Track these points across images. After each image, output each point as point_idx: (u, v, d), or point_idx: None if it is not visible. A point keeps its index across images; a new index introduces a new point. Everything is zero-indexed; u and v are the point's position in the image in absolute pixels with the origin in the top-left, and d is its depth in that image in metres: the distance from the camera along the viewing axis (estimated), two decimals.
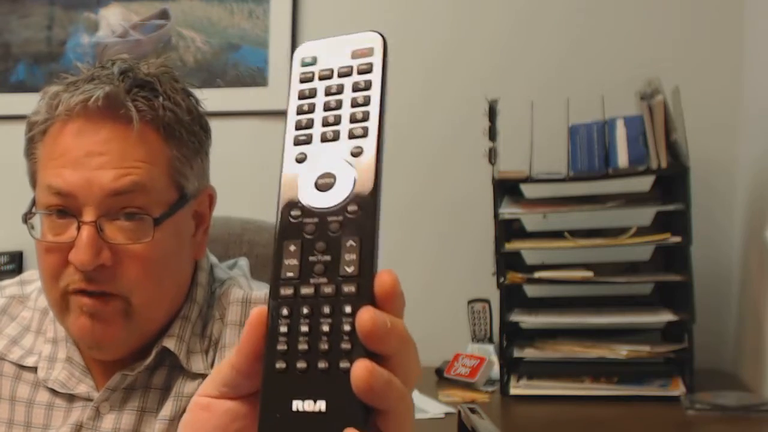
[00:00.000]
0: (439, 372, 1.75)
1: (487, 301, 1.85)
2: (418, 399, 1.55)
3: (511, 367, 1.64)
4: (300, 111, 0.46)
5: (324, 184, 0.44)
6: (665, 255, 1.69)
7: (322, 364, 0.41)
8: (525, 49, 2.00)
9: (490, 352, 1.78)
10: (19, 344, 0.95)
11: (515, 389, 1.59)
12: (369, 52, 0.46)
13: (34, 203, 0.89)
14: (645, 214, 1.68)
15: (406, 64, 2.05)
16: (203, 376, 0.90)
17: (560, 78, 1.94)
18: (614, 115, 1.63)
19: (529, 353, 1.64)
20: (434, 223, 2.03)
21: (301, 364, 0.42)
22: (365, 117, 0.45)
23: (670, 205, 1.58)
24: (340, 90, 0.46)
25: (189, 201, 0.91)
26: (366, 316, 0.40)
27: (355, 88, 0.46)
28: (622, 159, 1.59)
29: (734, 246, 1.87)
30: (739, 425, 1.42)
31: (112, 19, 2.19)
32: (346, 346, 0.41)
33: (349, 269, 0.42)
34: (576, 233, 1.64)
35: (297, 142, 0.46)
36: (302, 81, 0.47)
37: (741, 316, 1.82)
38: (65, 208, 0.84)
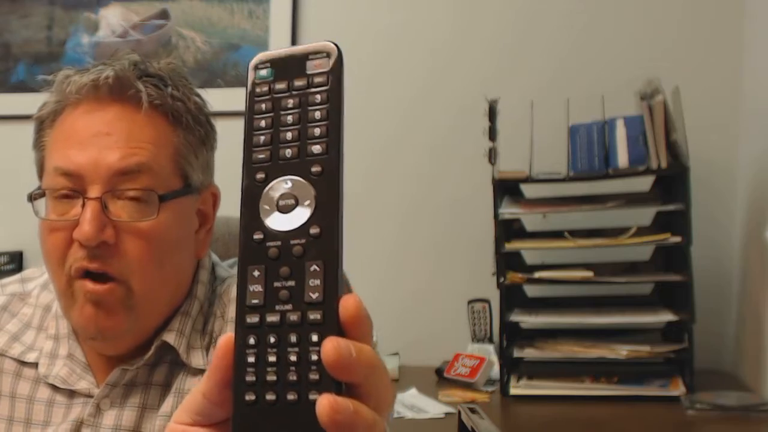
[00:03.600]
0: (439, 372, 1.75)
1: (487, 301, 1.85)
2: (418, 399, 1.55)
3: (511, 367, 1.64)
4: (257, 128, 0.45)
5: (285, 205, 0.43)
6: (665, 255, 1.69)
7: (291, 396, 0.41)
8: (525, 49, 2.00)
9: (490, 352, 1.78)
10: (20, 340, 0.95)
11: (515, 389, 1.59)
12: (325, 64, 0.44)
13: (40, 187, 0.89)
14: (645, 214, 1.68)
15: (406, 64, 2.05)
16: (203, 372, 0.90)
17: (560, 78, 1.94)
18: (614, 115, 1.63)
19: (529, 353, 1.64)
20: (434, 223, 2.03)
21: (270, 396, 0.41)
22: (323, 134, 0.43)
23: (670, 205, 1.58)
24: (296, 105, 0.44)
25: (193, 192, 0.91)
26: (329, 346, 0.40)
27: (312, 103, 0.44)
28: (622, 159, 1.59)
29: (734, 246, 1.87)
30: (739, 425, 1.42)
31: (112, 19, 2.19)
32: (314, 376, 0.40)
33: (314, 295, 0.41)
34: (576, 233, 1.64)
35: (255, 161, 0.44)
36: (257, 95, 0.45)
37: (741, 316, 1.82)
38: (71, 189, 0.85)
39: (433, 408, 1.50)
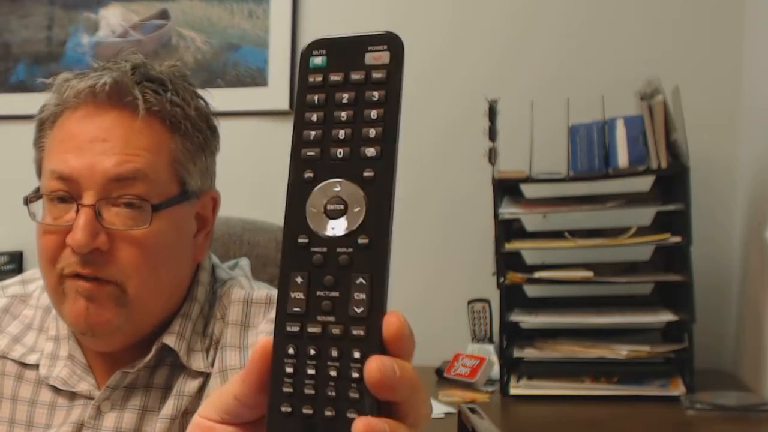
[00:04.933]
0: (439, 372, 1.75)
1: (487, 301, 1.85)
2: None
3: (511, 367, 1.64)
4: (308, 123, 0.42)
5: (333, 210, 0.41)
6: (665, 255, 1.69)
7: (328, 412, 0.40)
8: (525, 49, 2.00)
9: (490, 352, 1.78)
10: (21, 342, 0.95)
11: (515, 389, 1.59)
12: (385, 57, 0.42)
13: (37, 190, 0.89)
14: (645, 214, 1.68)
15: (406, 64, 2.04)
16: (204, 374, 0.90)
17: (560, 78, 1.94)
18: (614, 115, 1.62)
19: (529, 353, 1.64)
20: (434, 223, 2.02)
21: (307, 410, 0.40)
22: (378, 136, 0.41)
23: (670, 205, 1.58)
24: (352, 101, 0.41)
25: (191, 198, 0.91)
26: (374, 365, 0.39)
27: (369, 101, 0.41)
28: (622, 159, 1.59)
29: (734, 246, 1.87)
30: (739, 425, 1.42)
31: (112, 19, 2.19)
32: (353, 395, 0.39)
33: (359, 310, 0.40)
34: (576, 233, 1.64)
35: (305, 159, 0.42)
36: (310, 87, 0.42)
37: (741, 316, 1.82)
38: (67, 193, 0.85)
39: (433, 408, 1.50)
